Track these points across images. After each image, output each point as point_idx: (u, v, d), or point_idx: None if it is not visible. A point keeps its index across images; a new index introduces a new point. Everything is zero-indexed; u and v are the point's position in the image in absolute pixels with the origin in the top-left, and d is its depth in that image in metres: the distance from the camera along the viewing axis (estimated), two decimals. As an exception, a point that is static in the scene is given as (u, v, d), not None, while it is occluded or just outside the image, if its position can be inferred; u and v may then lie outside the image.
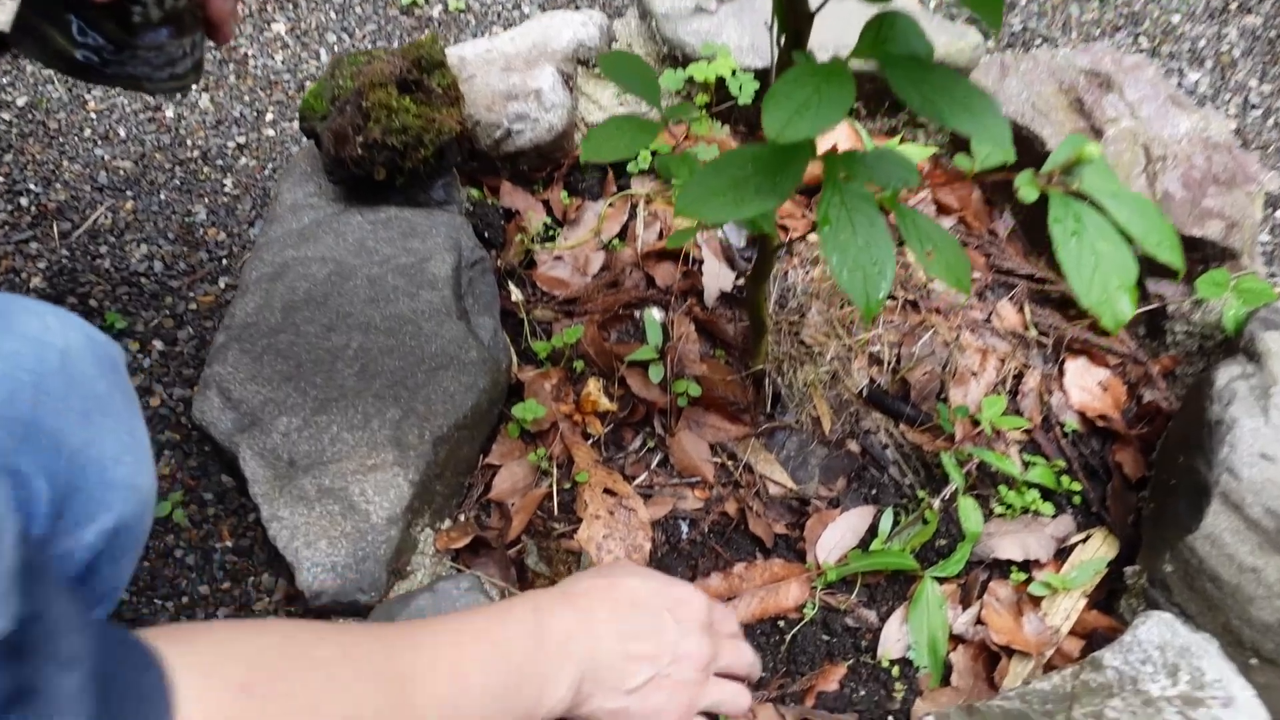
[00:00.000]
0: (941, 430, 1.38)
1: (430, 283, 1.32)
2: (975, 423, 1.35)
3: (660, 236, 1.55)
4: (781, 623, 1.23)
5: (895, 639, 1.22)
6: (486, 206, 1.57)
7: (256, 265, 1.33)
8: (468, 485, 1.32)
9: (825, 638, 1.23)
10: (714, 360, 1.41)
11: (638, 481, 1.33)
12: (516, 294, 1.48)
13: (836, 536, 1.28)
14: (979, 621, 1.25)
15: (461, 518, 1.29)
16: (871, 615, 1.24)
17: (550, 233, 1.58)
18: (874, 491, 1.34)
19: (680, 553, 1.28)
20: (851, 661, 1.21)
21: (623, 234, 1.57)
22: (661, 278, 1.52)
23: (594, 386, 1.37)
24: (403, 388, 1.24)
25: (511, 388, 1.35)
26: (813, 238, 1.57)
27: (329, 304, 1.29)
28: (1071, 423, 1.43)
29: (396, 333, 1.27)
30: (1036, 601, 1.26)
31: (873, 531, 1.29)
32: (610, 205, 1.59)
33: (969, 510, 1.23)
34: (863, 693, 1.19)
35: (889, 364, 1.43)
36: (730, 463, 1.34)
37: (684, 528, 1.30)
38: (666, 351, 1.40)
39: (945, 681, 1.20)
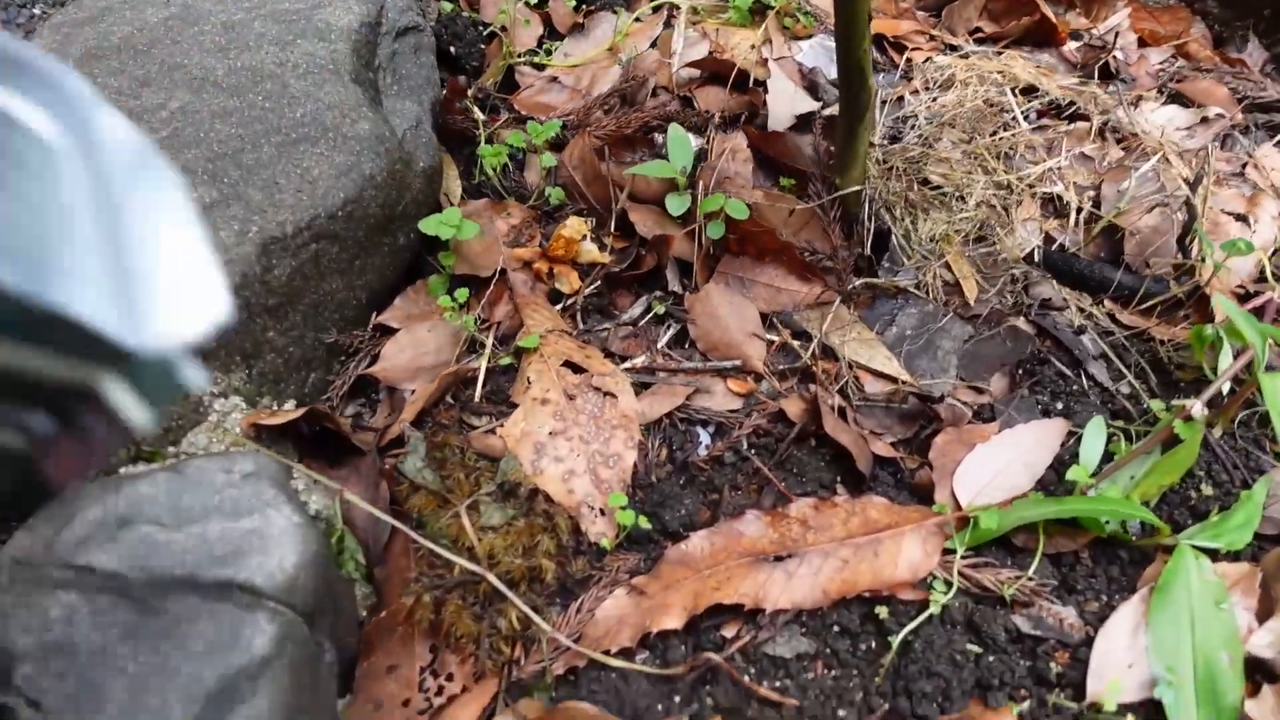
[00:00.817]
0: (1181, 309, 0.77)
1: (319, 33, 0.82)
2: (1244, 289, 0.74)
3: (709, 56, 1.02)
4: (883, 612, 0.62)
5: (1123, 663, 0.59)
6: (459, 20, 1.08)
7: (74, 9, 0.86)
8: (343, 350, 0.77)
9: (972, 649, 0.61)
10: (777, 192, 0.85)
11: (632, 363, 0.76)
12: (479, 114, 0.96)
13: (993, 466, 0.67)
14: (1302, 642, 0.61)
15: (328, 403, 0.74)
16: (1070, 614, 0.62)
17: (546, 48, 1.08)
18: (1062, 399, 0.73)
19: (692, 477, 0.69)
20: (1030, 702, 0.59)
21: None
22: (705, 102, 0.98)
23: (575, 226, 0.83)
24: (233, 164, 0.72)
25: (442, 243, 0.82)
26: (941, 59, 1.01)
27: (152, 54, 0.80)
28: None
29: (243, 92, 0.77)
30: None
31: (1064, 464, 0.67)
32: (637, 19, 1.08)
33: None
34: (1055, 771, 0.55)
35: (1078, 212, 0.84)
36: (796, 342, 0.76)
37: (703, 436, 0.71)
38: (698, 176, 0.85)
39: (1242, 759, 0.56)
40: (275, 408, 0.71)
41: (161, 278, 0.27)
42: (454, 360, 0.77)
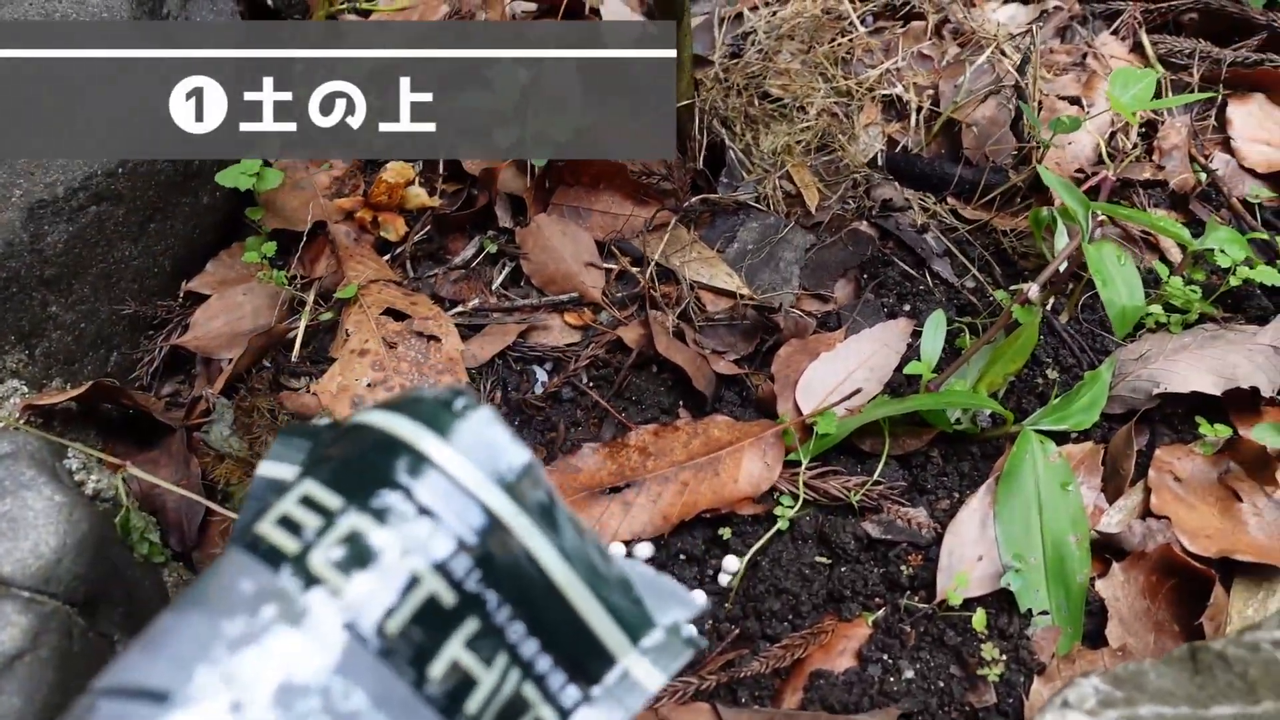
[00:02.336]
0: (1021, 198, 0.75)
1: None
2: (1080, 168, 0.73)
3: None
4: (726, 532, 0.59)
5: (972, 556, 0.57)
6: (275, -31, 1.01)
7: None
8: (148, 323, 0.71)
9: (822, 561, 0.58)
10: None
11: (465, 306, 0.71)
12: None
13: (837, 373, 0.65)
14: (1147, 514, 0.60)
15: (137, 382, 0.68)
16: (920, 515, 0.60)
17: (369, -8, 1.02)
18: (909, 299, 0.70)
19: (529, 417, 0.65)
20: (883, 610, 0.56)
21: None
22: (536, 32, 0.93)
23: (397, 170, 0.77)
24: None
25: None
26: (782, -28, 0.97)
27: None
28: (1259, 191, 0.79)
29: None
30: (1265, 471, 0.61)
31: (910, 362, 0.65)
32: (465, -44, 1.02)
33: (1111, 270, 0.59)
34: (909, 673, 0.54)
35: (918, 112, 0.82)
36: (635, 269, 0.72)
37: (540, 374, 0.68)
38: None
39: (1093, 638, 0.55)
40: (69, 389, 0.65)
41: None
42: (274, 323, 0.71)
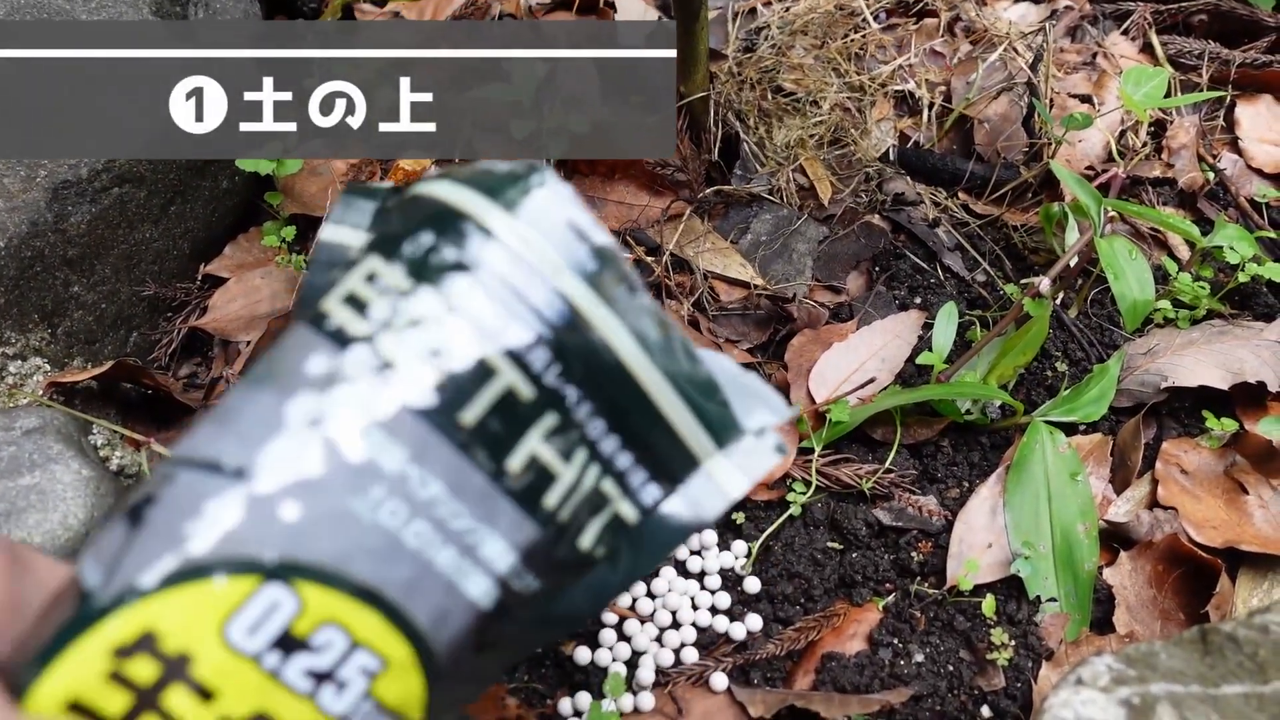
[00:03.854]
0: (1031, 194, 0.76)
1: (113, -33, 0.75)
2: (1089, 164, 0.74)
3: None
4: (740, 518, 0.60)
5: (982, 544, 0.58)
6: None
7: None
8: (168, 305, 0.72)
9: (834, 547, 0.59)
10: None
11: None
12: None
13: (849, 362, 0.66)
14: (1154, 505, 0.61)
15: (155, 363, 0.69)
16: (930, 503, 0.60)
17: (384, -16, 1.02)
18: (920, 292, 0.71)
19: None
20: (893, 595, 0.57)
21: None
22: (552, 29, 0.94)
23: (413, 162, 0.78)
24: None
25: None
26: (795, -31, 0.98)
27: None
28: (1266, 190, 0.80)
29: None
30: (1270, 464, 0.62)
31: (921, 354, 0.66)
32: (481, -52, 1.02)
33: (1122, 264, 0.60)
34: (919, 657, 0.54)
35: (930, 108, 0.83)
36: (651, 258, 0.73)
37: (555, 359, 0.68)
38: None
39: (1100, 625, 0.56)
40: (90, 368, 0.66)
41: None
42: (292, 306, 0.72)
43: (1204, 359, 0.65)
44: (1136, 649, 0.39)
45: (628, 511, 0.29)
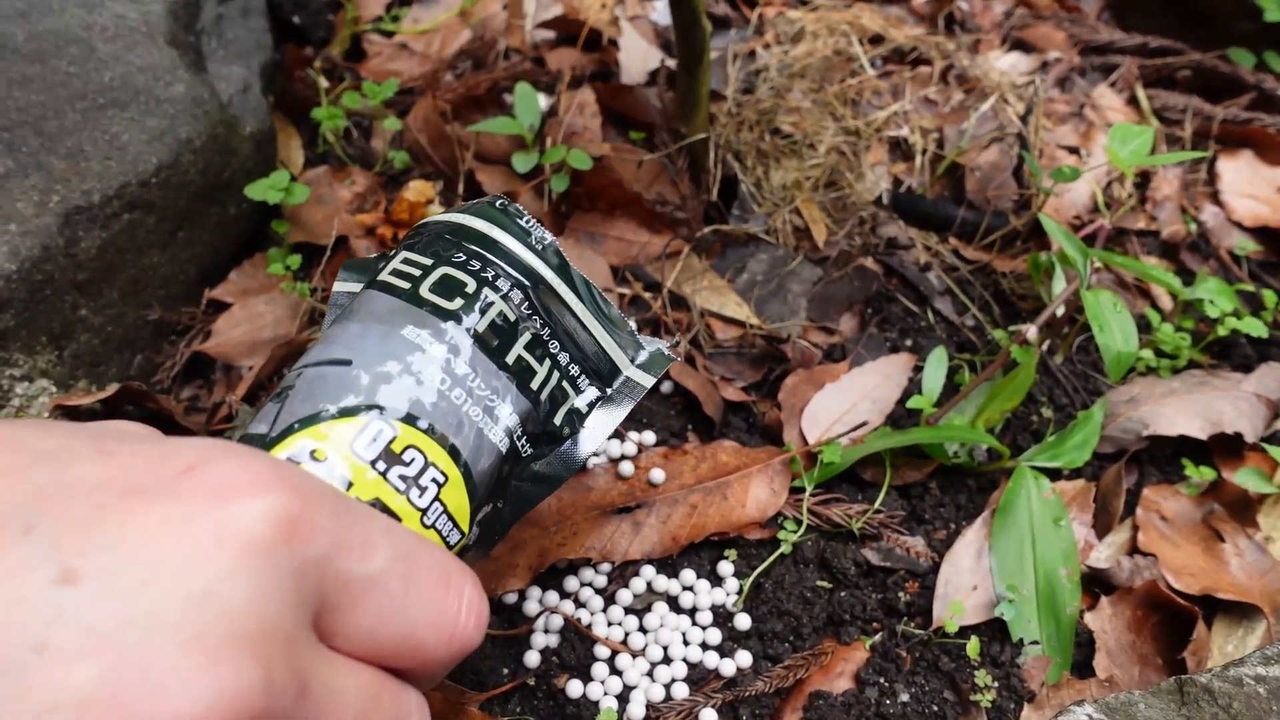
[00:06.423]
0: (1020, 241, 0.78)
1: (130, -6, 0.77)
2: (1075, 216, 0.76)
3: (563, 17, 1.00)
4: (731, 555, 0.61)
5: (968, 586, 0.60)
6: (301, -13, 1.04)
7: None
8: (172, 329, 0.73)
9: (822, 585, 0.60)
10: (627, 145, 0.84)
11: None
12: (323, 83, 0.92)
13: (841, 403, 0.67)
14: (1135, 551, 0.62)
15: (158, 385, 0.70)
16: (918, 544, 0.62)
17: (394, 14, 1.04)
18: (910, 335, 0.73)
19: (542, 434, 0.67)
20: (880, 635, 0.59)
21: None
22: (556, 62, 0.96)
23: (419, 188, 0.80)
24: (32, 132, 0.67)
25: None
26: (793, 13, 1.01)
27: (-60, 21, 0.74)
28: (1246, 244, 0.83)
29: (46, 57, 0.72)
30: (1246, 513, 0.63)
31: (911, 396, 0.68)
32: (487, -18, 1.05)
33: (1107, 316, 0.62)
34: (905, 697, 0.56)
35: (923, 154, 0.85)
36: (648, 294, 0.75)
37: (554, 393, 0.69)
38: (546, 132, 0.83)
39: (1081, 669, 0.58)
40: (95, 391, 0.66)
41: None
42: (295, 333, 0.73)
43: (1184, 408, 0.67)
44: (1116, 698, 0.41)
45: (579, 403, 0.45)
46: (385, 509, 0.35)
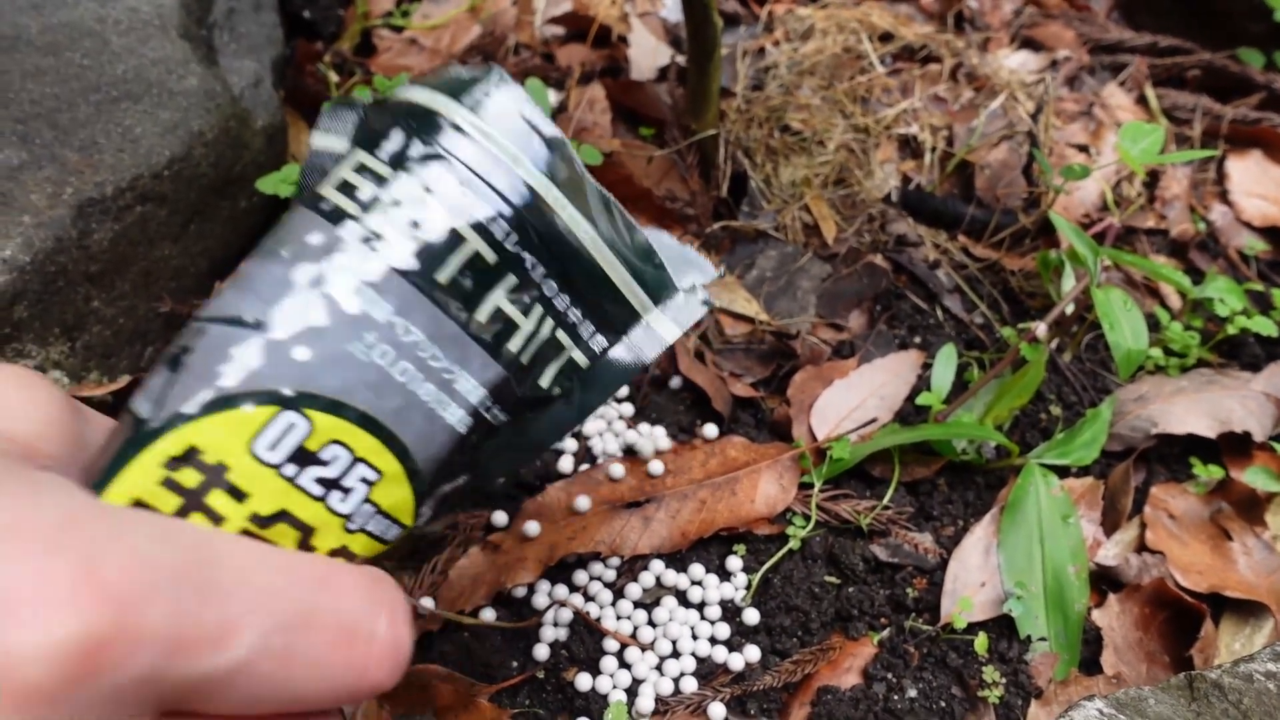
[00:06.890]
0: (1029, 239, 0.78)
1: (141, -13, 0.77)
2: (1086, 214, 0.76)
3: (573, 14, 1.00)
4: (741, 550, 0.61)
5: (976, 582, 0.60)
6: (312, -18, 1.04)
7: None
8: (182, 321, 0.73)
9: (832, 580, 0.61)
10: (637, 141, 0.84)
11: (489, 320, 0.73)
12: (334, 78, 0.92)
13: (850, 399, 0.67)
14: (1143, 549, 0.62)
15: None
16: (926, 540, 0.62)
17: (404, 9, 1.05)
18: (919, 332, 0.73)
19: (552, 429, 0.67)
20: (888, 630, 0.59)
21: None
22: (566, 58, 0.96)
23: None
24: (46, 124, 0.68)
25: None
26: (802, 10, 1.01)
27: (-46, 12, 0.74)
28: (1255, 244, 0.83)
29: (59, 50, 0.72)
30: (1254, 512, 0.64)
31: (920, 393, 0.68)
32: (497, -23, 1.05)
33: (1118, 314, 0.62)
34: (912, 693, 0.56)
35: (932, 152, 0.85)
36: (657, 291, 0.74)
37: (563, 388, 0.69)
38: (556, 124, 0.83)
39: (1088, 665, 0.58)
40: (106, 383, 0.67)
41: None
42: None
43: (1193, 407, 0.68)
44: (1126, 694, 0.41)
45: (579, 357, 0.35)
46: (295, 521, 0.29)
